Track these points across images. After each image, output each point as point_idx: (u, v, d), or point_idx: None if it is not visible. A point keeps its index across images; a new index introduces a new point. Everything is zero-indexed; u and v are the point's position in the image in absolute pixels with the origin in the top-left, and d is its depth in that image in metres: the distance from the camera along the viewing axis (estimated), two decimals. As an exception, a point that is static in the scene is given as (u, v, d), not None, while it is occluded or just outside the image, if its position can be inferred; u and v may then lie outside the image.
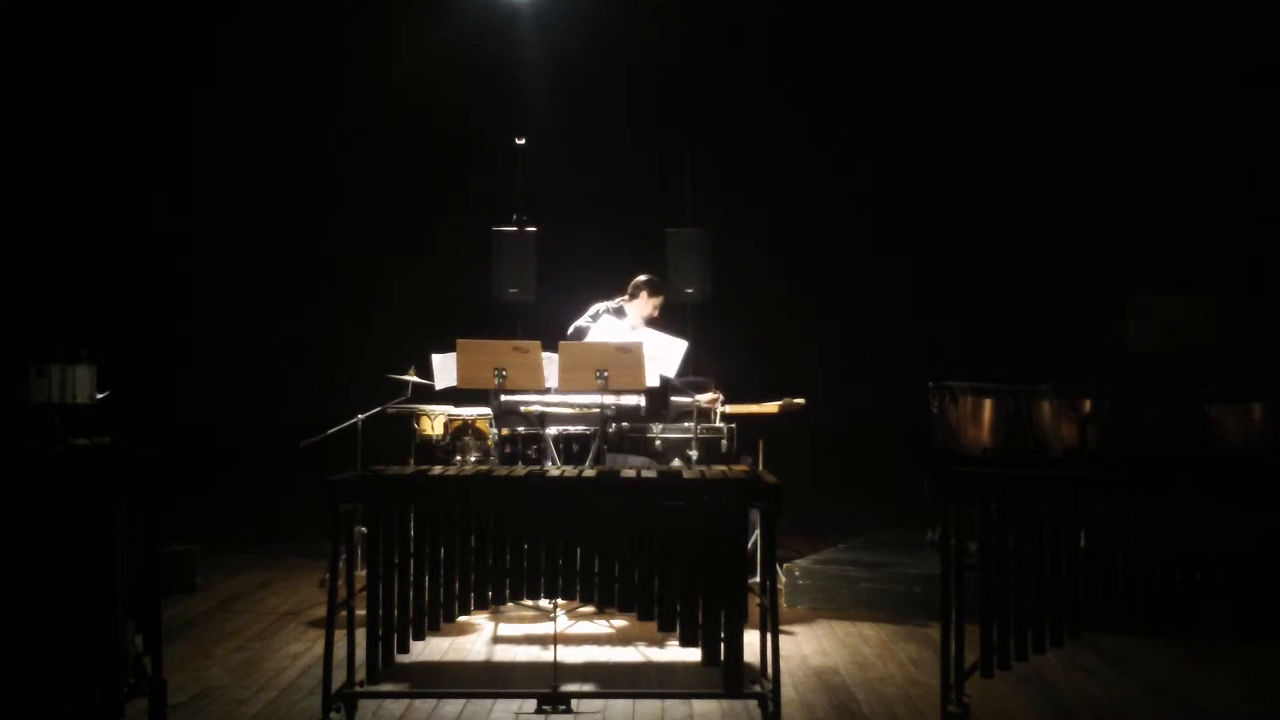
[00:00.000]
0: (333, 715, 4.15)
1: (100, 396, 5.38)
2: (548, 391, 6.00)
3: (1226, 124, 9.23)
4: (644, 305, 6.80)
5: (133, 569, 4.14)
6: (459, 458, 6.70)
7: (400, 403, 6.48)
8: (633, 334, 6.54)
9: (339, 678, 4.29)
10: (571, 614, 5.84)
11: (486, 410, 6.67)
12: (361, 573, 4.67)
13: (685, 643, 4.09)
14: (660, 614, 4.07)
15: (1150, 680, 4.88)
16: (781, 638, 4.45)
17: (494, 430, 6.57)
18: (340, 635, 4.26)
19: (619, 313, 6.78)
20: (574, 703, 4.35)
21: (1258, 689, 4.81)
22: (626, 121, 10.35)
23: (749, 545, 5.42)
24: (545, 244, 8.29)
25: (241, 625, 5.78)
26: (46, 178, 9.50)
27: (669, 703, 4.50)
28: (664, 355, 6.32)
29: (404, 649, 4.11)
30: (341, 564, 4.32)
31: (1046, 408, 6.65)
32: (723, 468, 4.58)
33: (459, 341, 5.75)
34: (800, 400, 6.61)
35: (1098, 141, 9.74)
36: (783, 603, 6.09)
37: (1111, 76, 9.57)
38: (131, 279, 10.21)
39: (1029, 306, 9.77)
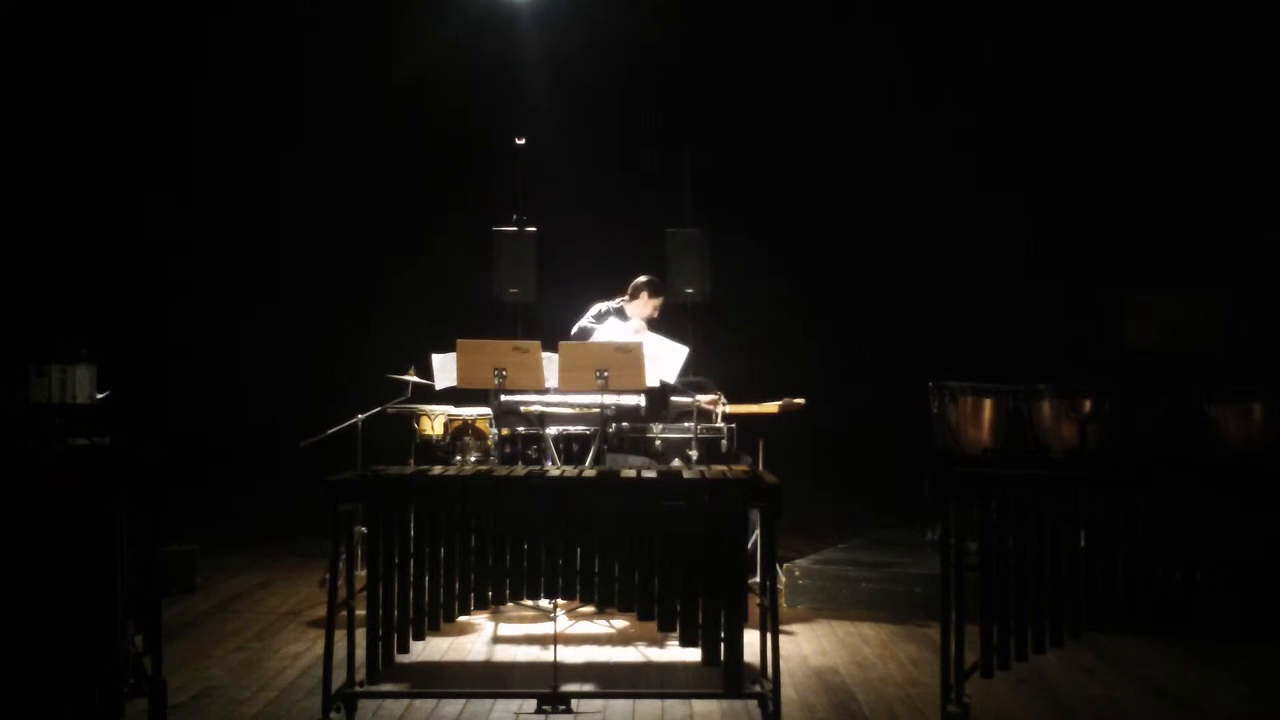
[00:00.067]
0: (333, 715, 4.15)
1: (100, 396, 5.38)
2: (548, 391, 6.00)
3: (1226, 124, 9.23)
4: (644, 306, 6.80)
5: (133, 569, 4.14)
6: (459, 458, 6.70)
7: (400, 403, 6.48)
8: (636, 337, 6.54)
9: (339, 678, 4.29)
10: (571, 614, 5.84)
11: (486, 410, 6.67)
12: (361, 573, 4.66)
13: (685, 643, 4.09)
14: (660, 614, 4.07)
15: (1150, 680, 4.88)
16: (781, 638, 4.45)
17: (494, 430, 6.57)
18: (340, 635, 4.26)
19: (620, 314, 6.78)
20: (574, 703, 4.35)
21: (1258, 689, 4.81)
22: (626, 121, 10.35)
23: (749, 545, 5.42)
24: (545, 244, 8.29)
25: (241, 625, 5.78)
26: (46, 178, 9.50)
27: (669, 703, 4.50)
28: (664, 359, 6.32)
29: (404, 649, 4.11)
30: (341, 564, 4.32)
31: (1046, 408, 6.65)
32: (723, 468, 4.58)
33: (459, 341, 5.76)
34: (800, 400, 6.61)
35: (1097, 141, 9.74)
36: (783, 603, 6.09)
37: (1111, 76, 9.58)
38: (131, 279, 10.21)
39: (1029, 306, 9.77)
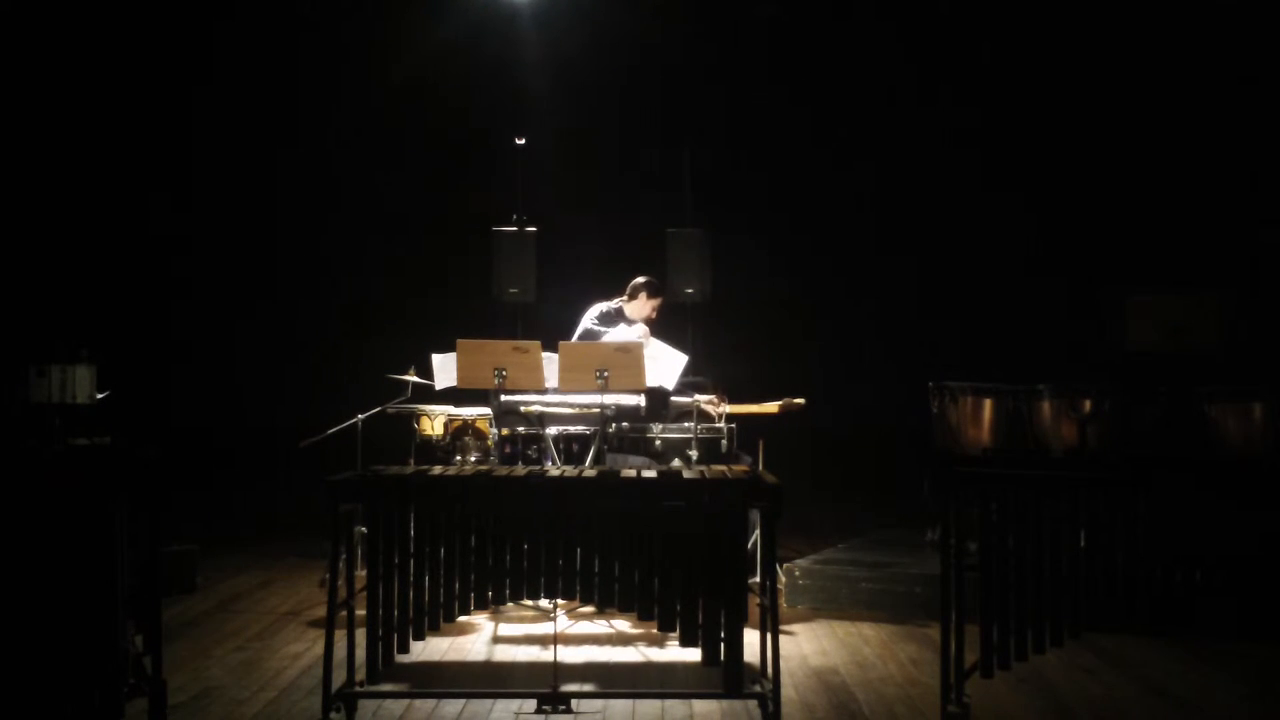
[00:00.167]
0: (333, 715, 4.15)
1: (100, 396, 5.38)
2: (547, 391, 6.00)
3: (1226, 124, 9.23)
4: (642, 306, 6.80)
5: (133, 569, 4.14)
6: (459, 458, 6.70)
7: (400, 403, 6.48)
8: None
9: (339, 678, 4.29)
10: (571, 614, 5.84)
11: (486, 410, 6.67)
12: (361, 573, 4.67)
13: (685, 643, 4.09)
14: (660, 614, 4.07)
15: (1150, 680, 4.88)
16: (781, 638, 4.45)
17: (494, 430, 6.57)
18: (340, 635, 4.26)
19: (620, 314, 6.78)
20: (574, 703, 4.35)
21: (1258, 689, 4.81)
22: (626, 121, 10.35)
23: (749, 545, 5.43)
24: (545, 244, 8.29)
25: (241, 625, 5.78)
26: (46, 177, 9.50)
27: (669, 703, 4.50)
28: (664, 361, 6.31)
29: (404, 649, 4.11)
30: (341, 564, 4.32)
31: (1046, 408, 6.65)
32: (723, 468, 4.58)
33: (459, 341, 5.76)
34: (800, 400, 6.61)
35: (1097, 141, 9.74)
36: (783, 603, 6.09)
37: (1111, 76, 9.58)
38: (131, 279, 10.21)
39: (1029, 306, 9.77)
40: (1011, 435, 6.80)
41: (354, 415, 6.30)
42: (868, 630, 5.72)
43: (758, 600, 4.34)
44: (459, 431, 6.77)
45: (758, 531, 5.69)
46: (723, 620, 4.04)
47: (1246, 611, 4.23)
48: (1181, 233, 9.33)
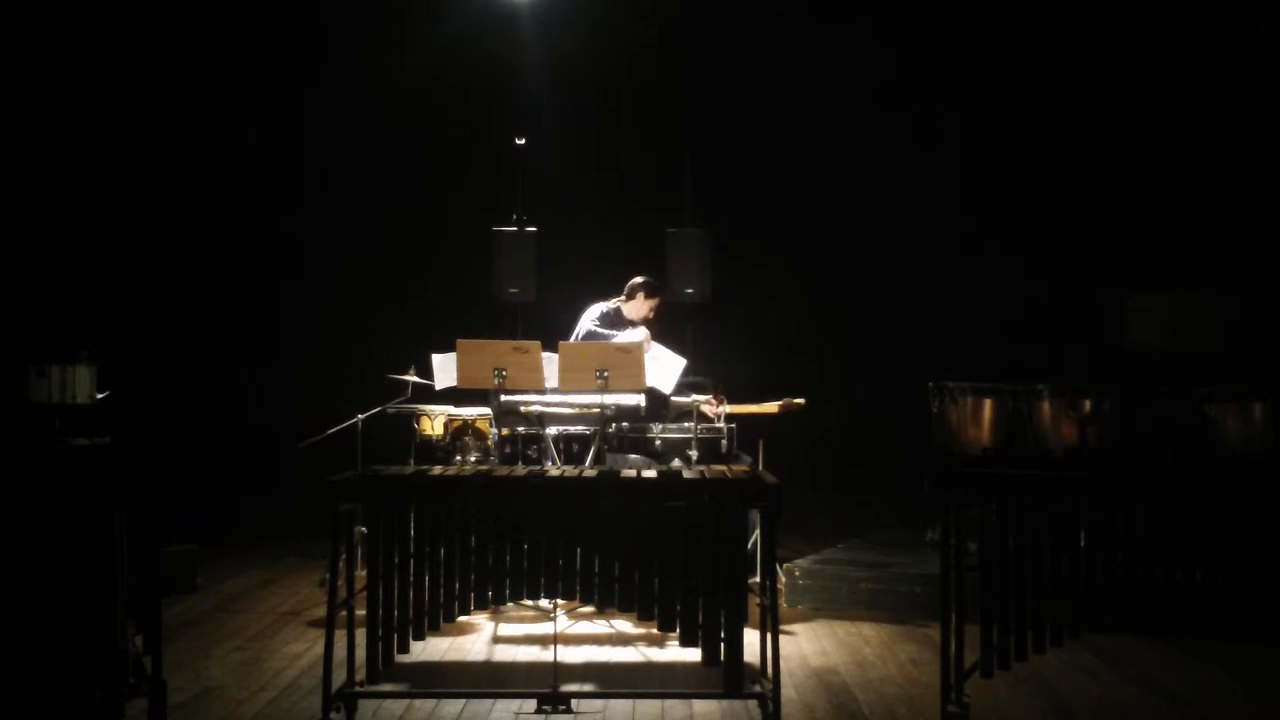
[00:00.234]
0: (333, 715, 4.15)
1: (100, 396, 5.37)
2: (547, 391, 6.00)
3: (1226, 124, 9.23)
4: (640, 306, 6.79)
5: (133, 569, 4.14)
6: (459, 458, 6.70)
7: (400, 403, 6.48)
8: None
9: (339, 678, 4.29)
10: (571, 614, 5.84)
11: (486, 410, 6.67)
12: (361, 573, 4.67)
13: (685, 643, 4.09)
14: (660, 614, 4.07)
15: (1150, 680, 4.88)
16: (781, 638, 4.45)
17: (494, 430, 6.57)
18: (340, 635, 4.25)
19: (619, 314, 6.78)
20: (574, 703, 4.35)
21: (1258, 689, 4.81)
22: (626, 121, 10.35)
23: (749, 545, 5.43)
24: (545, 244, 8.29)
25: (241, 625, 5.78)
26: (46, 177, 9.50)
27: (669, 703, 4.50)
28: (663, 362, 6.31)
29: (404, 649, 4.11)
30: (341, 564, 4.32)
31: (1046, 408, 6.65)
32: (723, 468, 4.58)
33: (459, 341, 5.76)
34: (800, 400, 6.61)
35: (1097, 142, 9.74)
36: (783, 603, 6.09)
37: (1111, 77, 9.57)
38: (131, 279, 10.20)
39: (1029, 306, 9.77)
40: (1011, 435, 6.79)
41: (354, 415, 6.30)
42: (868, 630, 5.72)
43: (758, 600, 4.34)
44: (459, 431, 6.77)
45: (758, 531, 5.70)
46: (723, 620, 4.04)
47: (1246, 611, 4.22)
48: (1181, 233, 9.33)
